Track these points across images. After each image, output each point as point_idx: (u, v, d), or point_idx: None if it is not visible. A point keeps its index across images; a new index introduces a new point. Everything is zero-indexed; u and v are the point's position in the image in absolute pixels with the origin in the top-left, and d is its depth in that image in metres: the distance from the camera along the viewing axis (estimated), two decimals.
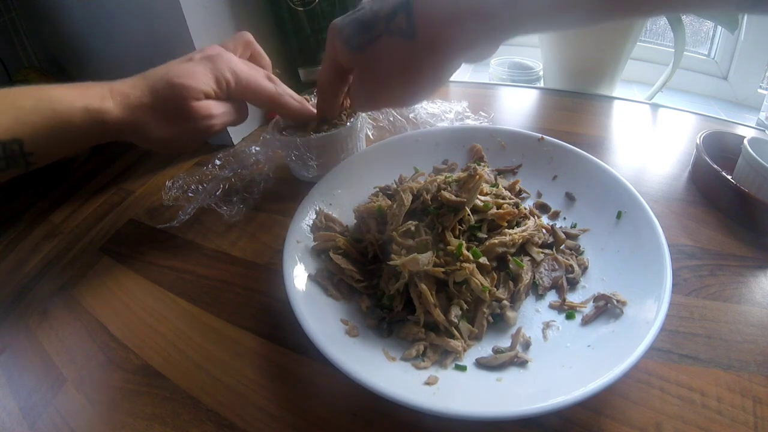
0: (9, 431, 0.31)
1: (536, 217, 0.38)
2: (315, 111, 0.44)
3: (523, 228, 0.36)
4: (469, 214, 0.34)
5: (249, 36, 0.43)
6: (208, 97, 0.37)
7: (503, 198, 0.37)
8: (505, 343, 0.31)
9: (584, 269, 0.35)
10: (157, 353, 0.35)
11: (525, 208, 0.38)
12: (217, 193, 0.49)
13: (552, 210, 0.41)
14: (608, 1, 0.26)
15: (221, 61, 0.37)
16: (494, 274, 0.33)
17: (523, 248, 0.36)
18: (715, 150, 0.45)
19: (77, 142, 0.35)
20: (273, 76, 0.42)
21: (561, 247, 0.37)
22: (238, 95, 0.39)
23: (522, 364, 0.29)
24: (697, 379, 0.29)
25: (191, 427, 0.30)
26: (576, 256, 0.36)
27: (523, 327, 0.31)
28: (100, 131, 0.34)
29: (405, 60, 0.30)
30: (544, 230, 0.37)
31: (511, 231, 0.35)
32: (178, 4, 0.50)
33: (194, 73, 0.36)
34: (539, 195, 0.43)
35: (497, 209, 0.35)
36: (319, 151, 0.47)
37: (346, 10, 0.67)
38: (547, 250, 0.36)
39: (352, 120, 0.48)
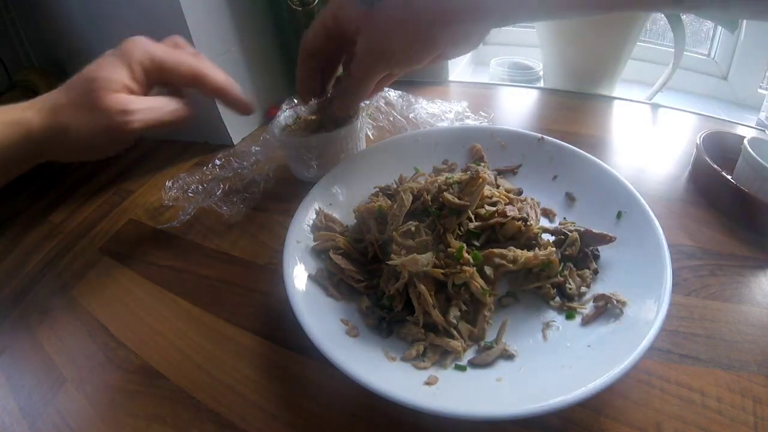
0: (9, 431, 0.31)
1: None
2: (241, 95, 0.40)
3: (534, 255, 0.33)
4: (470, 218, 0.34)
5: (179, 38, 0.40)
6: (126, 88, 0.34)
7: (515, 216, 0.35)
8: (490, 336, 0.31)
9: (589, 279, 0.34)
10: (157, 353, 0.35)
11: (538, 232, 0.35)
12: (217, 193, 0.49)
13: (554, 214, 0.41)
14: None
15: (133, 45, 0.35)
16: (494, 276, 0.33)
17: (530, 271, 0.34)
18: (715, 150, 0.45)
19: (5, 165, 0.33)
20: (201, 56, 0.39)
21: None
22: (158, 76, 0.36)
23: (511, 357, 0.29)
24: (697, 379, 0.29)
25: (191, 427, 0.30)
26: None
27: (522, 326, 0.32)
28: (26, 145, 0.33)
29: (406, 23, 0.30)
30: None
31: (517, 251, 0.33)
32: (178, 4, 0.50)
33: (104, 64, 0.34)
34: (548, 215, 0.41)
35: (500, 217, 0.35)
36: (319, 151, 0.47)
37: None
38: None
39: (352, 120, 0.48)
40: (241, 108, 0.40)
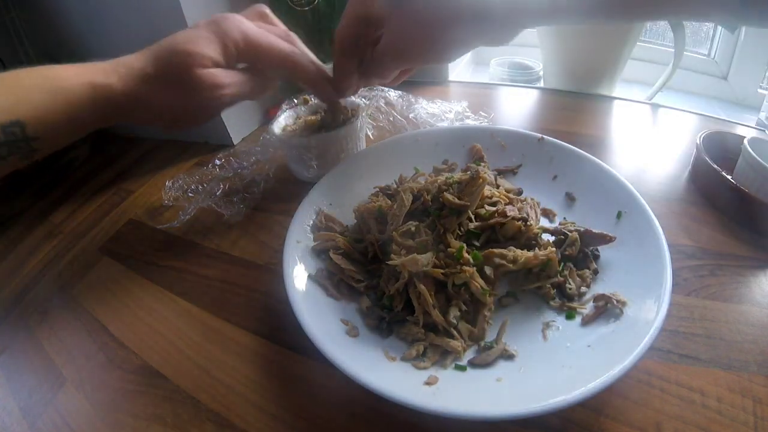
0: (9, 431, 0.31)
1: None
2: (332, 78, 0.40)
3: (534, 255, 0.33)
4: (470, 218, 0.34)
5: (264, 8, 0.40)
6: (216, 64, 0.34)
7: (515, 217, 0.35)
8: (490, 336, 0.31)
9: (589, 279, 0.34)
10: (157, 353, 0.35)
11: (538, 232, 0.35)
12: (217, 193, 0.49)
13: (554, 214, 0.41)
14: (604, 7, 0.26)
15: (227, 22, 0.34)
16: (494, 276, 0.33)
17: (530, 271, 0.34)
18: (715, 150, 0.45)
19: (83, 123, 0.33)
20: (292, 37, 0.39)
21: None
22: (249, 57, 0.36)
23: (511, 357, 0.29)
24: (697, 379, 0.29)
25: (191, 427, 0.30)
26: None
27: (522, 326, 0.32)
28: (106, 108, 0.32)
29: (425, 29, 0.32)
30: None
31: (517, 251, 0.33)
32: (178, 4, 0.50)
33: (198, 38, 0.33)
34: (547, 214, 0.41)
35: (500, 217, 0.35)
36: (319, 151, 0.47)
37: None
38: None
39: (352, 120, 0.48)
40: (327, 98, 0.42)
